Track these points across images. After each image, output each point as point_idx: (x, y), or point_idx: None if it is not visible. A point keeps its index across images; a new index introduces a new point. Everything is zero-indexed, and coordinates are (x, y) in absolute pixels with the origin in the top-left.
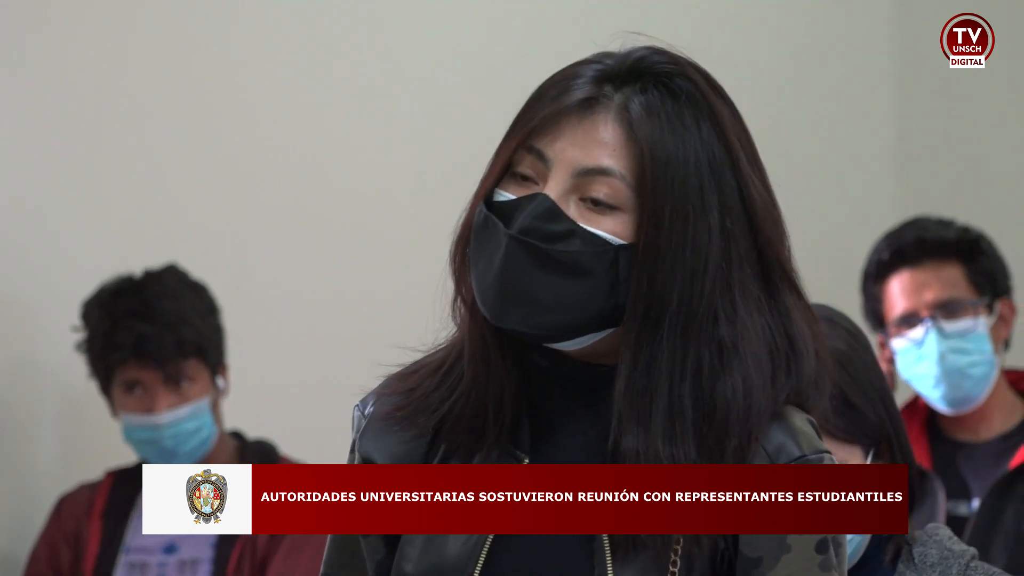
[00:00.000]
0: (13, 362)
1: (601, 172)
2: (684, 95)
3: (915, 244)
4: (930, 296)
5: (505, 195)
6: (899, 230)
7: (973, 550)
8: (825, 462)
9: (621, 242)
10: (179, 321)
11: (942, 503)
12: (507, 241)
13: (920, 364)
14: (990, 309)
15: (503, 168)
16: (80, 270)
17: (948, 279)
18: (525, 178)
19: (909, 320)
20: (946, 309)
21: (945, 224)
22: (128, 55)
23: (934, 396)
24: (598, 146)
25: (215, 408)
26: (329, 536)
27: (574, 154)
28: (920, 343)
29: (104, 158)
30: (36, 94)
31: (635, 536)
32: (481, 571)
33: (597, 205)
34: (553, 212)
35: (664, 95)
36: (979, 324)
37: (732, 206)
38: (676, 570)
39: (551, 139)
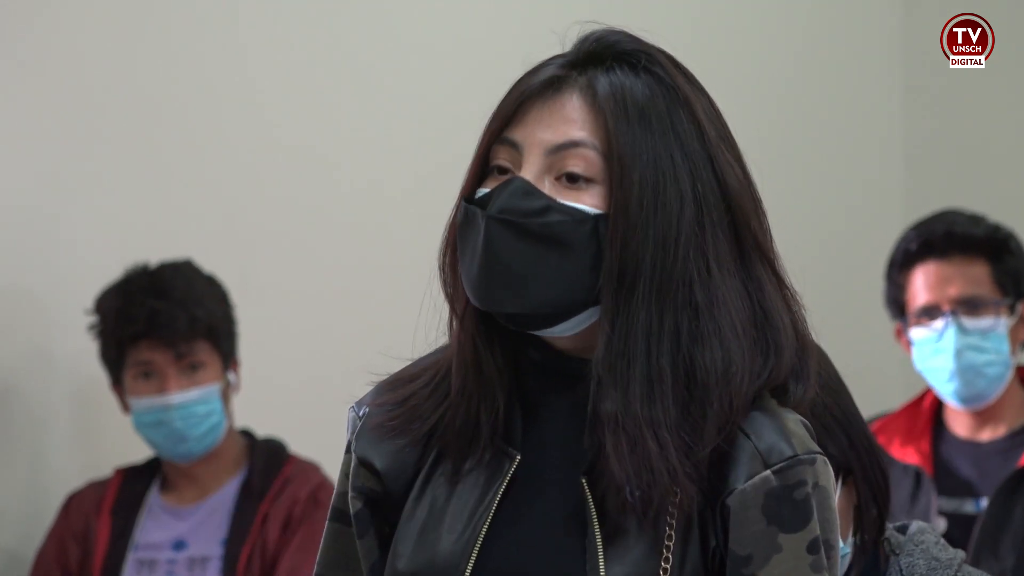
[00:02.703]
0: (25, 356)
1: (572, 145)
2: (648, 72)
3: (944, 237)
4: (953, 291)
5: (485, 190)
6: (929, 221)
7: (961, 553)
8: (818, 463)
9: (600, 212)
10: (191, 300)
11: (933, 502)
12: (486, 222)
13: (937, 357)
14: (1012, 310)
15: (481, 166)
16: (93, 265)
17: (973, 276)
18: (503, 171)
19: (930, 312)
20: (968, 306)
21: (976, 220)
22: (138, 54)
23: (947, 390)
24: (565, 122)
25: (226, 400)
26: (324, 538)
27: (543, 134)
28: (939, 336)
29: (115, 156)
30: (49, 94)
31: (627, 531)
32: (474, 567)
33: (573, 181)
34: (528, 191)
35: (627, 72)
36: (999, 324)
37: (703, 175)
38: (668, 566)
39: (520, 125)
